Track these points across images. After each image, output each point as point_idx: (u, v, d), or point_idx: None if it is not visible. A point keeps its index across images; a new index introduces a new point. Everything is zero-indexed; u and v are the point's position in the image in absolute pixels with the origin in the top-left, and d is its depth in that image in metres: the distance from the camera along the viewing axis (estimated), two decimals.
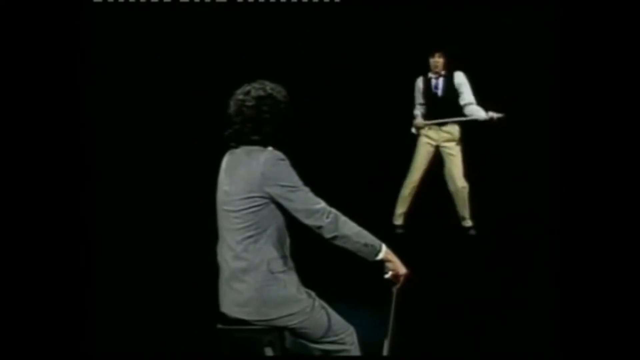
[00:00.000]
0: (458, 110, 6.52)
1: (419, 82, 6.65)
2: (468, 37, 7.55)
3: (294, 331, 3.20)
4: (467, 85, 6.50)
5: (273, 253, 3.11)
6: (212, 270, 3.30)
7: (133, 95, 7.63)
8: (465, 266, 5.81)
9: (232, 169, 3.18)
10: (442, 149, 6.63)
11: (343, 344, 3.23)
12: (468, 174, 6.69)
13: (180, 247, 6.11)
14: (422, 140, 6.65)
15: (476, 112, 6.45)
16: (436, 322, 4.72)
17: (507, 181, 7.34)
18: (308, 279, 3.26)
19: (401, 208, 6.74)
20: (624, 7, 3.51)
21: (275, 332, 3.18)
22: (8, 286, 3.31)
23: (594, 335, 3.34)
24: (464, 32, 7.54)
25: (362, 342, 3.29)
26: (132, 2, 6.44)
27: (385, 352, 3.34)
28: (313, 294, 3.23)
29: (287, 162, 3.10)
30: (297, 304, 3.14)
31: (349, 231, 3.10)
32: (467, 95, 6.50)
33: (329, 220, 3.07)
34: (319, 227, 3.07)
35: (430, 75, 6.56)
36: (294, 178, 3.09)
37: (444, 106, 6.54)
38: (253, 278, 3.10)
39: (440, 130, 6.59)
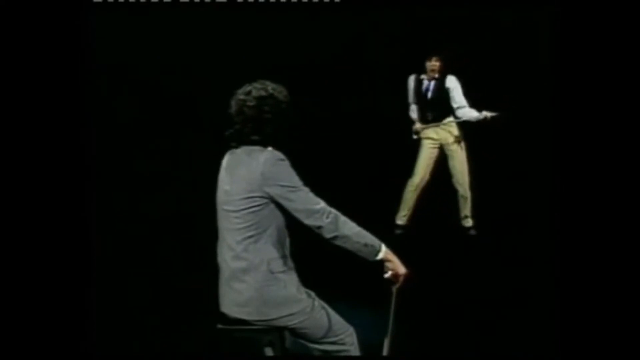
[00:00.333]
0: (446, 112, 6.55)
1: (411, 81, 6.65)
2: (468, 37, 7.55)
3: (294, 331, 3.20)
4: (459, 88, 6.52)
5: (273, 253, 3.12)
6: (212, 270, 3.30)
7: (133, 95, 7.62)
8: (465, 266, 5.81)
9: (232, 168, 3.18)
10: (446, 149, 6.63)
11: (343, 344, 3.23)
12: (469, 174, 6.69)
13: (180, 247, 6.10)
14: (424, 142, 6.66)
15: (469, 113, 6.49)
16: (436, 322, 4.72)
17: (507, 181, 7.34)
18: (308, 279, 3.26)
19: (405, 210, 6.72)
20: (624, 7, 3.51)
21: (275, 332, 3.18)
22: (8, 286, 3.31)
23: (593, 335, 3.34)
24: (464, 32, 7.54)
25: (362, 342, 3.29)
26: (132, 2, 6.44)
27: (385, 352, 3.34)
28: (313, 294, 3.23)
29: (287, 162, 3.10)
30: (297, 304, 3.14)
31: (349, 231, 3.10)
32: (458, 98, 6.52)
33: (328, 220, 3.07)
34: (319, 227, 3.07)
35: (423, 76, 6.56)
36: (294, 178, 3.09)
37: (434, 108, 6.56)
38: (253, 278, 3.10)
39: (440, 129, 6.60)
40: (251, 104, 3.14)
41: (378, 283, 3.25)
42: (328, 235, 3.09)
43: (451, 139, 6.60)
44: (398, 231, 6.69)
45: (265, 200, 3.08)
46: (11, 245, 3.33)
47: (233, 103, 3.18)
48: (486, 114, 6.38)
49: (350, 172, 7.50)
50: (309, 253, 3.45)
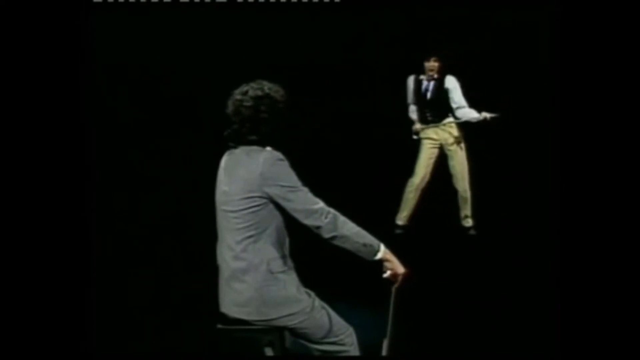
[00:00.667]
0: (446, 113, 6.55)
1: (410, 82, 6.65)
2: (468, 37, 7.55)
3: (293, 331, 3.20)
4: (458, 89, 6.52)
5: (273, 253, 3.12)
6: (212, 270, 3.30)
7: (133, 95, 7.62)
8: (465, 266, 5.81)
9: (231, 169, 3.18)
10: (446, 149, 6.63)
11: (343, 344, 3.23)
12: (469, 175, 6.69)
13: (180, 247, 6.10)
14: (424, 142, 6.65)
15: (468, 114, 6.50)
16: (436, 322, 4.72)
17: (507, 181, 7.33)
18: (308, 279, 3.26)
19: (405, 210, 6.72)
20: (624, 7, 3.51)
21: (275, 332, 3.18)
22: (8, 286, 3.31)
23: (593, 335, 3.34)
24: (463, 32, 7.54)
25: (362, 342, 3.29)
26: (132, 2, 6.44)
27: (384, 352, 3.34)
28: (313, 294, 3.23)
29: (286, 162, 3.10)
30: (297, 304, 3.14)
31: (348, 231, 3.10)
32: (458, 98, 6.53)
33: (327, 220, 3.07)
34: (318, 227, 3.08)
35: (422, 77, 6.57)
36: (293, 178, 3.09)
37: (433, 109, 6.57)
38: (253, 278, 3.10)
39: (439, 130, 6.60)
40: (248, 104, 3.14)
41: (378, 283, 3.25)
42: (327, 235, 3.09)
43: (451, 140, 6.60)
44: (398, 231, 6.69)
45: (264, 201, 3.08)
46: (11, 245, 3.33)
47: (230, 103, 3.18)
48: (486, 115, 6.39)
49: (350, 172, 7.50)
50: (309, 253, 3.45)
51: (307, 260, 3.36)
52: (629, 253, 3.36)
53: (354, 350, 3.25)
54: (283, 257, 3.15)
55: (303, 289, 3.20)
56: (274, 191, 3.07)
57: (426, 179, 6.68)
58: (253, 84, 3.19)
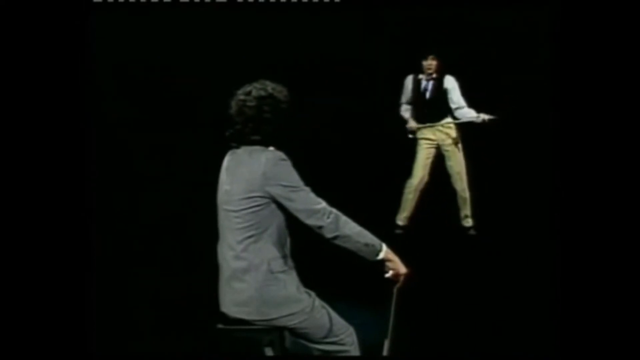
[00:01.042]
0: (445, 113, 6.55)
1: (408, 82, 6.62)
2: (468, 37, 7.55)
3: (294, 331, 3.20)
4: (457, 89, 6.52)
5: (273, 253, 3.12)
6: (212, 270, 3.30)
7: (133, 95, 7.62)
8: (465, 266, 5.81)
9: (233, 168, 3.18)
10: (443, 149, 6.63)
11: (343, 344, 3.23)
12: (468, 175, 6.69)
13: (180, 247, 6.10)
14: (421, 142, 6.64)
15: (467, 114, 6.49)
16: (436, 322, 4.72)
17: (507, 181, 7.33)
18: (308, 279, 3.25)
19: (405, 211, 6.71)
20: (624, 7, 3.51)
21: (275, 332, 3.18)
22: (8, 286, 3.31)
23: (594, 335, 3.34)
24: (463, 32, 7.54)
25: (362, 342, 3.28)
26: (132, 2, 6.44)
27: (385, 352, 3.34)
28: (313, 294, 3.23)
29: (288, 162, 3.10)
30: (297, 304, 3.14)
31: (350, 231, 3.10)
32: (457, 98, 6.52)
33: (329, 220, 3.07)
34: (320, 227, 3.08)
35: (421, 77, 6.56)
36: (295, 178, 3.09)
37: (432, 109, 6.56)
38: (253, 278, 3.10)
39: (437, 130, 6.60)
40: (251, 104, 3.14)
41: (378, 283, 3.24)
42: (329, 235, 3.09)
43: (448, 140, 6.60)
44: (398, 231, 6.68)
45: (266, 200, 3.08)
46: (11, 245, 3.33)
47: (233, 103, 3.18)
48: (484, 116, 6.38)
49: (351, 172, 7.50)
50: (309, 253, 3.45)
51: (308, 260, 3.36)
52: (629, 251, 3.36)
53: (355, 350, 3.25)
54: (284, 257, 3.15)
55: (303, 289, 3.20)
56: (276, 191, 3.07)
57: (425, 180, 6.67)
58: (256, 84, 3.19)
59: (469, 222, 6.71)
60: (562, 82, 3.56)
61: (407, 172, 6.71)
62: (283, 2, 6.71)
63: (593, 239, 3.41)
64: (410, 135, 6.70)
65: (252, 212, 3.08)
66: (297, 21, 7.22)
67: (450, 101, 6.52)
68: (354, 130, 7.82)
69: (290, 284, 3.15)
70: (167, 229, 6.58)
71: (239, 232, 3.11)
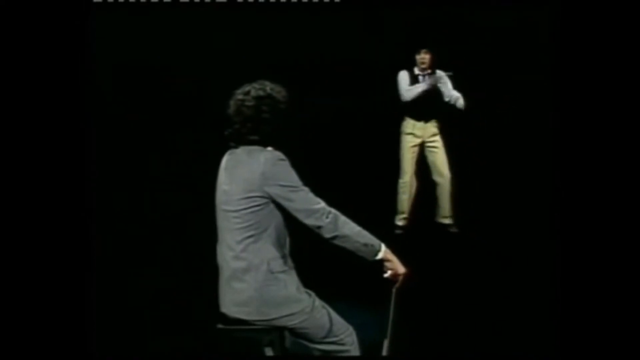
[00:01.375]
0: (439, 107, 6.52)
1: (404, 76, 6.47)
2: (468, 37, 7.55)
3: (294, 331, 3.20)
4: (448, 82, 6.47)
5: (273, 253, 3.12)
6: (212, 270, 3.30)
7: (133, 95, 7.63)
8: (466, 266, 5.81)
9: (232, 168, 3.18)
10: (426, 144, 6.60)
11: (343, 344, 3.23)
12: (467, 175, 6.69)
13: (180, 247, 6.10)
14: (407, 139, 6.58)
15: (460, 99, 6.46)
16: (436, 322, 4.72)
17: (507, 181, 7.34)
18: (308, 279, 3.26)
19: (403, 212, 6.70)
20: (624, 7, 3.51)
21: (275, 332, 3.18)
22: (8, 286, 3.31)
23: (594, 335, 3.34)
24: (463, 32, 7.54)
25: (362, 342, 3.29)
26: (132, 2, 6.45)
27: (384, 352, 3.34)
28: (313, 293, 3.23)
29: (287, 162, 3.10)
30: (297, 304, 3.14)
31: (349, 231, 3.10)
32: (448, 92, 6.47)
33: (328, 220, 3.07)
34: (319, 227, 3.08)
35: (417, 72, 6.52)
36: (294, 178, 3.09)
37: (428, 103, 6.53)
38: (253, 278, 3.10)
39: (427, 125, 6.57)
40: (249, 104, 3.14)
41: (378, 283, 3.25)
42: (328, 235, 3.09)
43: (433, 134, 6.58)
44: (398, 232, 6.68)
45: (265, 200, 3.08)
46: (11, 245, 3.33)
47: (231, 103, 3.18)
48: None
49: (350, 172, 7.50)
50: (309, 253, 3.45)
51: (307, 260, 3.36)
52: (629, 252, 3.36)
53: (354, 350, 3.25)
54: (283, 256, 3.15)
55: (303, 289, 3.20)
56: (274, 191, 3.07)
57: (415, 176, 6.65)
58: (255, 84, 3.20)
59: (449, 220, 6.70)
60: (562, 81, 3.56)
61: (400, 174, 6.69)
62: (283, 2, 6.72)
63: (593, 239, 3.41)
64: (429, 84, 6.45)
65: (251, 212, 3.08)
66: (297, 21, 7.22)
67: (443, 95, 6.50)
68: (353, 130, 7.83)
69: (290, 284, 3.15)
70: (167, 229, 6.58)
71: (238, 232, 3.11)
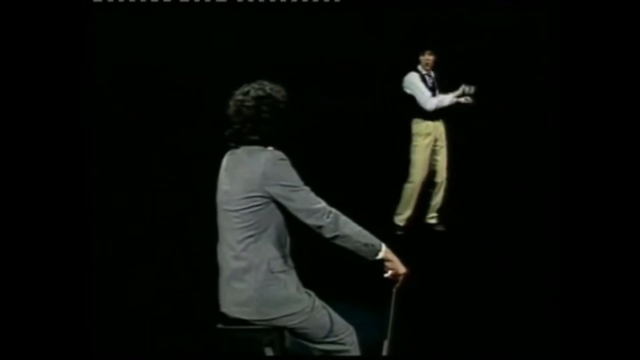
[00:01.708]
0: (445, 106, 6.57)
1: (415, 78, 6.47)
2: (468, 36, 7.55)
3: (294, 331, 3.20)
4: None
5: (273, 252, 3.12)
6: (212, 270, 3.30)
7: (133, 95, 7.63)
8: (466, 267, 5.81)
9: (232, 168, 3.18)
10: (435, 144, 6.61)
11: (343, 344, 3.23)
12: (467, 175, 6.69)
13: (180, 247, 6.11)
14: (424, 140, 6.59)
15: (449, 97, 6.49)
16: (436, 322, 4.72)
17: (507, 181, 7.34)
18: (308, 279, 3.26)
19: (406, 213, 6.69)
20: (624, 7, 3.51)
21: (275, 332, 3.18)
22: (8, 286, 3.31)
23: (594, 335, 3.34)
24: (463, 32, 7.55)
25: (362, 342, 3.29)
26: (132, 2, 6.45)
27: (384, 352, 3.34)
28: (313, 293, 3.23)
29: (287, 162, 3.10)
30: (297, 304, 3.14)
31: (350, 231, 3.10)
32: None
33: (329, 220, 3.07)
34: (320, 227, 3.08)
35: (423, 72, 6.53)
36: (294, 178, 3.09)
37: None
38: (253, 278, 3.10)
39: (438, 124, 6.58)
40: (249, 104, 3.14)
41: (378, 283, 3.25)
42: (328, 235, 3.09)
43: (442, 133, 6.60)
44: (399, 232, 6.68)
45: (265, 200, 3.08)
46: (11, 245, 3.33)
47: (231, 103, 3.18)
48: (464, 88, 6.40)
49: (350, 172, 7.50)
50: (309, 253, 3.45)
51: (308, 260, 3.36)
52: (630, 252, 3.36)
53: (355, 350, 3.25)
54: (283, 256, 3.15)
55: (303, 289, 3.20)
56: (275, 191, 3.07)
57: (426, 177, 6.66)
58: (254, 84, 3.20)
59: (435, 219, 6.72)
60: (562, 81, 3.56)
61: (407, 171, 6.68)
62: (283, 2, 6.72)
63: (593, 239, 3.41)
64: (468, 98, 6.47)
65: (252, 211, 3.08)
66: (297, 21, 7.23)
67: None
68: (354, 130, 7.83)
69: (290, 283, 3.15)
70: (167, 229, 6.58)
71: (238, 232, 3.11)
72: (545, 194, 4.87)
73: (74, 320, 3.37)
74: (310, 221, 3.08)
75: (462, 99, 6.41)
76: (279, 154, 3.12)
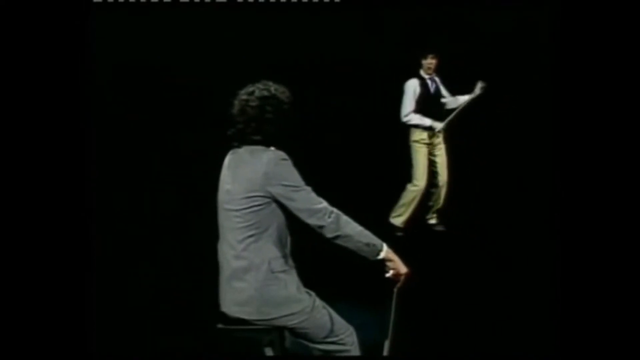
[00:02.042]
0: (442, 107, 6.58)
1: (414, 85, 6.51)
2: (468, 37, 7.55)
3: (294, 331, 3.20)
4: (441, 84, 6.61)
5: (274, 252, 3.12)
6: (212, 270, 3.30)
7: (133, 95, 7.63)
8: (466, 267, 5.81)
9: (234, 168, 3.18)
10: (434, 147, 6.61)
11: (343, 344, 3.23)
12: (467, 175, 6.69)
13: (180, 247, 6.11)
14: (419, 145, 6.59)
15: (460, 99, 6.55)
16: (436, 322, 4.72)
17: (507, 182, 7.34)
18: (308, 279, 3.26)
19: (407, 214, 6.68)
20: (624, 7, 3.51)
21: (275, 332, 3.18)
22: (8, 286, 3.31)
23: (594, 335, 3.34)
24: (463, 32, 7.55)
25: (362, 342, 3.29)
26: (132, 2, 6.45)
27: (385, 352, 3.34)
28: (313, 293, 3.23)
29: (289, 162, 3.10)
30: (297, 304, 3.14)
31: (351, 231, 3.10)
32: (445, 92, 6.64)
33: (330, 219, 3.07)
34: (321, 227, 3.08)
35: (425, 76, 6.54)
36: (296, 178, 3.09)
37: (437, 105, 6.57)
38: (254, 277, 3.10)
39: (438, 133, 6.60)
40: (254, 104, 3.14)
41: (378, 283, 3.25)
42: (330, 235, 3.09)
43: (441, 138, 6.61)
44: (399, 234, 6.67)
45: (267, 200, 3.08)
46: (11, 245, 3.33)
47: (236, 103, 3.19)
48: (477, 90, 6.41)
49: (351, 172, 7.50)
50: (309, 253, 3.45)
51: (308, 260, 3.36)
52: (630, 252, 3.36)
53: (355, 350, 3.25)
54: (284, 256, 3.15)
55: (303, 289, 3.20)
56: (277, 190, 3.07)
57: (428, 182, 6.67)
58: (259, 85, 3.20)
59: (433, 219, 6.74)
60: (562, 82, 3.56)
61: (408, 172, 6.68)
62: (283, 2, 6.72)
63: (593, 239, 3.41)
64: (434, 137, 6.57)
65: (253, 211, 3.08)
66: (297, 21, 7.22)
67: (442, 97, 6.59)
68: (354, 130, 7.83)
69: (290, 283, 3.15)
70: (167, 229, 6.58)
71: (239, 232, 3.11)
72: (545, 194, 4.87)
73: (74, 320, 3.37)
74: (312, 221, 3.08)
75: (476, 94, 6.43)
76: (281, 154, 3.12)
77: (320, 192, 3.14)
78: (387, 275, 3.20)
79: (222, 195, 3.21)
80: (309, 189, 3.11)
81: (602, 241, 3.40)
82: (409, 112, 6.53)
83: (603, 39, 3.51)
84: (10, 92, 3.42)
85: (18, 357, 3.28)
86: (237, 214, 3.11)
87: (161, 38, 7.35)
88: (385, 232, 3.46)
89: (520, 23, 7.53)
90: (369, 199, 6.62)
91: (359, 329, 3.29)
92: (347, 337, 3.23)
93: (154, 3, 6.67)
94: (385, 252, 3.16)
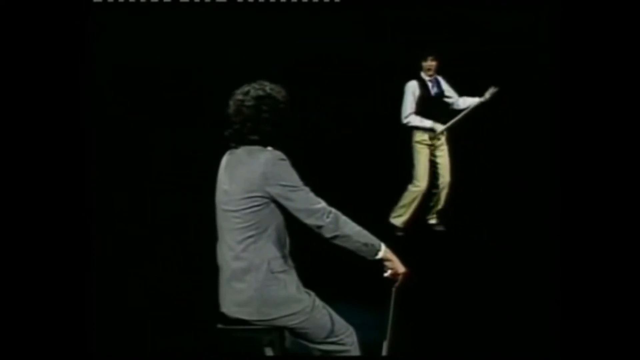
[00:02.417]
0: (446, 109, 6.57)
1: (413, 87, 6.52)
2: (468, 37, 7.55)
3: (294, 331, 3.20)
4: (448, 85, 6.63)
5: (273, 253, 3.12)
6: (212, 270, 3.30)
7: (133, 95, 7.63)
8: (465, 267, 5.81)
9: (232, 168, 3.18)
10: (436, 148, 6.61)
11: (343, 344, 3.23)
12: (468, 175, 6.69)
13: (180, 247, 6.11)
14: (421, 147, 6.60)
15: (468, 101, 6.55)
16: (435, 322, 4.72)
17: (507, 182, 7.34)
18: (308, 279, 3.26)
19: (407, 215, 6.68)
20: (624, 7, 3.51)
21: (275, 332, 3.18)
22: (8, 286, 3.31)
23: (594, 335, 3.34)
24: (463, 32, 7.55)
25: (362, 342, 3.29)
26: (132, 2, 6.45)
27: (384, 352, 3.34)
28: (313, 294, 3.23)
29: (287, 162, 3.10)
30: (297, 304, 3.14)
31: (349, 231, 3.10)
32: (451, 93, 6.64)
33: (329, 219, 3.07)
34: (320, 227, 3.08)
35: (425, 78, 6.54)
36: (294, 178, 3.09)
37: (438, 107, 6.56)
38: (253, 278, 3.10)
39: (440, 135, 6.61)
40: (249, 104, 3.14)
41: (378, 283, 3.25)
42: (328, 235, 3.09)
43: (442, 139, 6.61)
44: (399, 234, 6.67)
45: (265, 200, 3.08)
46: (11, 245, 3.33)
47: (231, 103, 3.18)
48: (487, 94, 6.41)
49: (350, 172, 7.50)
50: (309, 253, 3.45)
51: (308, 260, 3.36)
52: (630, 252, 3.36)
53: (355, 350, 3.25)
54: (283, 256, 3.15)
55: (303, 289, 3.20)
56: (275, 191, 3.07)
57: (429, 183, 6.67)
58: (255, 84, 3.20)
59: (434, 219, 6.74)
60: (562, 82, 3.56)
61: (408, 172, 6.68)
62: (283, 2, 6.72)
63: (593, 239, 3.41)
64: (436, 139, 6.59)
65: (252, 212, 3.08)
66: (297, 21, 7.22)
67: (446, 98, 6.57)
68: (354, 130, 7.82)
69: (290, 284, 3.15)
70: (167, 229, 6.58)
71: (238, 232, 3.11)
72: (545, 194, 4.87)
73: (74, 320, 3.37)
74: (310, 221, 3.08)
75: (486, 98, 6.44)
76: (279, 154, 3.12)
77: (320, 192, 3.14)
78: (386, 275, 3.20)
79: (219, 196, 3.20)
80: (307, 189, 3.11)
81: (602, 242, 3.40)
82: (408, 114, 6.54)
83: (603, 39, 3.51)
84: (10, 92, 3.42)
85: (18, 357, 3.28)
86: (236, 214, 3.11)
87: (161, 38, 7.35)
88: (385, 232, 3.45)
89: (520, 23, 7.53)
90: (369, 199, 6.62)
91: (358, 329, 3.29)
92: (347, 338, 3.23)
93: (154, 3, 6.68)
94: (383, 251, 3.16)
